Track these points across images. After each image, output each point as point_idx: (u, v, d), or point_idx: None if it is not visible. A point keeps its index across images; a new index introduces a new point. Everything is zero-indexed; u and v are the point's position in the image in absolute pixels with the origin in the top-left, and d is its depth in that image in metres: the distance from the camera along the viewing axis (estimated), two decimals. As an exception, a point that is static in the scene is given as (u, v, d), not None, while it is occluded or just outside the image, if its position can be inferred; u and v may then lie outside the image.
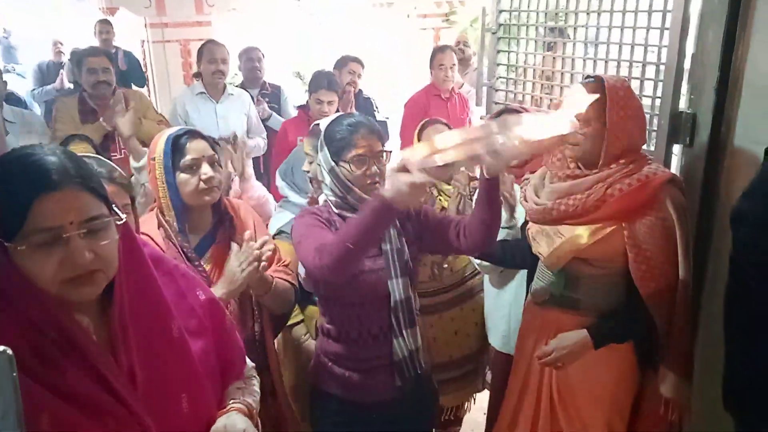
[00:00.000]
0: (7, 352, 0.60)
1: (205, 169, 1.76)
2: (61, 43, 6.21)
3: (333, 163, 1.75)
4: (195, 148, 1.77)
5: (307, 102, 3.66)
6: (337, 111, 3.48)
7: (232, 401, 1.22)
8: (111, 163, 1.67)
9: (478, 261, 2.25)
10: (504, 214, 2.17)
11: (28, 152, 0.96)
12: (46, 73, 6.01)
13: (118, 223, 1.00)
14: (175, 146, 1.76)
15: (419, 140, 2.54)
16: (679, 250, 1.70)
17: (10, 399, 0.57)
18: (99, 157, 1.65)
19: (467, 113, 4.35)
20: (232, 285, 1.70)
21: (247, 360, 1.37)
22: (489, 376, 2.60)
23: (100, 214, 0.97)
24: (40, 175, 0.91)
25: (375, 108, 4.40)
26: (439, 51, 4.30)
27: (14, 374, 0.58)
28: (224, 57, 3.85)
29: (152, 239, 1.72)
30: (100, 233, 0.96)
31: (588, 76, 1.85)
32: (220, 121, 3.79)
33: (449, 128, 2.51)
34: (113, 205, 1.01)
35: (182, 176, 1.76)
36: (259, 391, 1.33)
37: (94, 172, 1.01)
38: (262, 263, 1.73)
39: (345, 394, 1.82)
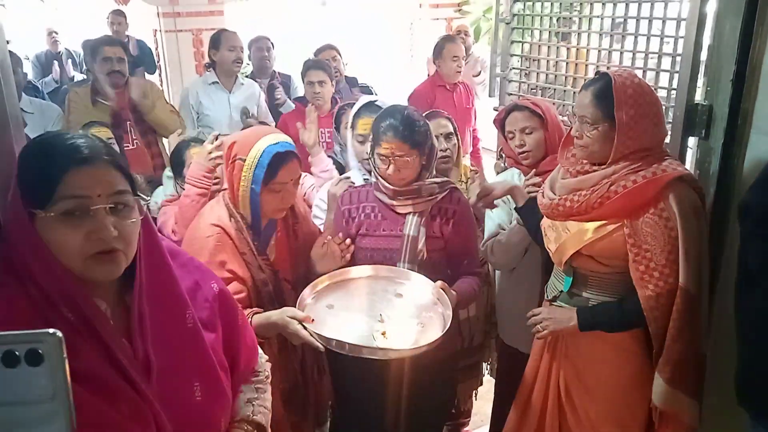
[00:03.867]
0: (57, 334, 0.62)
1: (290, 191, 1.79)
2: (56, 32, 6.16)
3: (369, 153, 1.95)
4: (288, 171, 1.76)
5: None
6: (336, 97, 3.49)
7: (238, 422, 1.21)
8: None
9: (494, 259, 2.23)
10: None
11: (62, 132, 1.02)
12: (44, 64, 5.99)
13: (142, 203, 1.03)
14: (271, 164, 1.73)
15: None
16: (680, 254, 1.63)
17: (61, 381, 0.59)
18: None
19: (472, 103, 4.30)
20: None
21: (261, 355, 1.37)
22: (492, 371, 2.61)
23: (125, 189, 1.00)
24: (73, 150, 0.96)
25: (374, 95, 4.39)
26: (449, 42, 4.17)
27: (64, 356, 0.60)
28: (241, 45, 3.89)
29: (224, 230, 1.76)
30: (125, 211, 0.99)
31: (597, 73, 1.81)
32: (233, 111, 3.81)
33: (451, 121, 2.50)
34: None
35: (266, 194, 1.75)
36: (269, 397, 1.33)
37: (120, 154, 1.05)
38: None
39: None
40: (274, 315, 1.67)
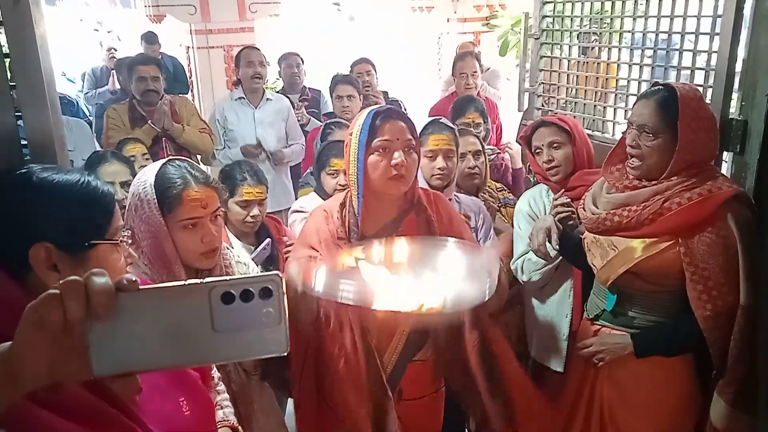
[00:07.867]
0: (280, 274, 0.76)
1: (397, 154, 1.64)
2: (115, 49, 6.43)
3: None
4: (390, 130, 1.65)
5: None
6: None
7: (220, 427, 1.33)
8: (202, 168, 1.66)
9: (525, 277, 2.21)
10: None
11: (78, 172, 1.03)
12: (99, 78, 6.22)
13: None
14: (372, 124, 1.66)
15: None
16: (740, 273, 1.60)
17: (284, 310, 0.72)
18: (191, 161, 1.64)
19: (495, 119, 4.18)
20: None
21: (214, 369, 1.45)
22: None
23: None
24: (109, 189, 1.04)
25: (404, 110, 4.40)
26: (459, 59, 4.13)
27: (284, 291, 0.74)
28: (261, 60, 3.88)
29: (329, 215, 1.73)
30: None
31: (656, 84, 1.78)
32: (257, 127, 3.85)
33: (479, 139, 2.50)
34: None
35: (372, 158, 1.65)
36: (227, 395, 1.47)
37: None
38: None
39: None
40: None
